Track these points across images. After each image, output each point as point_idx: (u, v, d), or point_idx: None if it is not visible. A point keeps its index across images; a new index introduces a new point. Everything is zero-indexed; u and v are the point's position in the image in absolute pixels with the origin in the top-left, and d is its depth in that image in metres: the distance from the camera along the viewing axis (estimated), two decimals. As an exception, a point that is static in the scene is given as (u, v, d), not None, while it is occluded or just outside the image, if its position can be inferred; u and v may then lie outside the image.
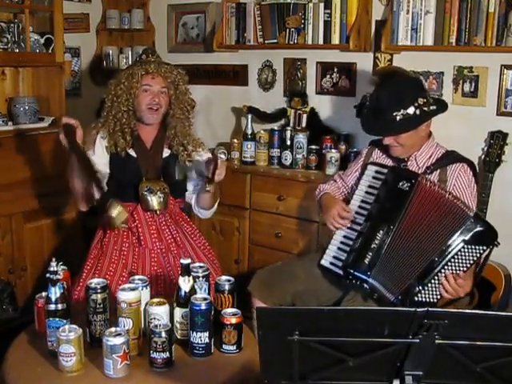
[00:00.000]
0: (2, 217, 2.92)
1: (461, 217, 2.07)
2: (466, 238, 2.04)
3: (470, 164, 2.34)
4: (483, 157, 2.70)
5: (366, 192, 2.34)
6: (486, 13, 2.57)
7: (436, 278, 2.06)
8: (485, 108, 2.77)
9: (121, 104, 2.39)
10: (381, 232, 2.19)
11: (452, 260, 2.05)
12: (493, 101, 2.74)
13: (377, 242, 2.19)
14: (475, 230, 2.04)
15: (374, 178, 2.34)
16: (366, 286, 2.20)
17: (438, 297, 2.07)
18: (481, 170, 2.71)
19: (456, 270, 2.05)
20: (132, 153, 2.45)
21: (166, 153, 2.51)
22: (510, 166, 2.65)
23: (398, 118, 2.20)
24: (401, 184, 2.21)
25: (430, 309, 1.19)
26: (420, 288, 2.07)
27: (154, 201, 2.40)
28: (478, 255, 2.05)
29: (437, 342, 1.21)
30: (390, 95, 2.25)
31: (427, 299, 2.07)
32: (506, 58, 2.65)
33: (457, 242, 2.05)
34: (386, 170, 2.33)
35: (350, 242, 2.31)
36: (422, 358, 1.27)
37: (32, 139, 3.03)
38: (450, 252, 2.06)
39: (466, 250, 2.05)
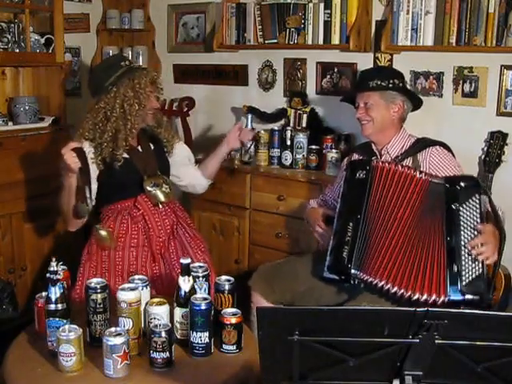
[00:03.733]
0: (1, 217, 2.93)
1: (434, 189, 2.13)
2: (456, 201, 2.08)
3: (442, 144, 2.38)
4: (483, 157, 2.70)
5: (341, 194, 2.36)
6: (486, 13, 2.57)
7: (463, 253, 2.06)
8: (485, 108, 2.77)
9: (131, 116, 2.41)
10: (351, 224, 2.21)
11: (462, 228, 2.07)
12: (493, 101, 2.74)
13: (349, 234, 2.21)
14: (458, 189, 2.10)
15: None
16: (354, 280, 2.19)
17: (480, 265, 2.04)
18: (481, 170, 2.72)
19: (471, 233, 2.06)
20: (123, 154, 2.49)
21: (152, 147, 2.62)
22: (510, 166, 2.65)
23: (370, 84, 2.39)
24: (358, 174, 2.27)
25: (430, 309, 1.19)
26: (460, 273, 2.05)
27: (160, 194, 2.48)
28: (478, 205, 2.07)
29: (437, 342, 1.21)
30: (370, 71, 2.61)
31: (474, 275, 2.04)
32: (505, 58, 2.65)
33: (452, 211, 2.08)
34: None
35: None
36: (421, 358, 1.27)
37: (32, 139, 3.03)
38: (454, 224, 2.07)
39: (465, 210, 2.07)
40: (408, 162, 2.36)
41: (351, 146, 3.11)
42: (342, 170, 2.57)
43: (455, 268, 2.06)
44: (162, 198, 2.48)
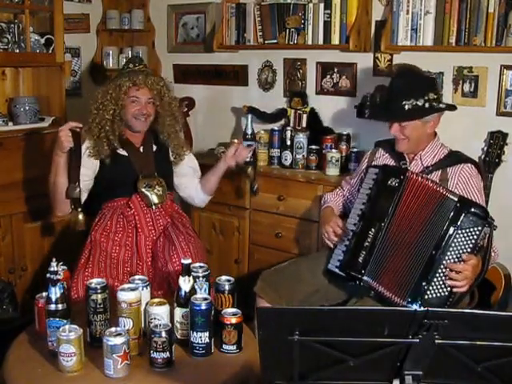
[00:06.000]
0: (1, 217, 2.92)
1: (445, 203, 2.08)
2: (458, 223, 2.05)
3: (473, 163, 2.35)
4: (483, 157, 2.70)
5: (366, 194, 2.34)
6: (486, 13, 2.57)
7: (440, 271, 2.06)
8: (485, 108, 2.77)
9: (105, 113, 2.50)
10: (372, 230, 2.21)
11: (450, 249, 2.05)
12: (493, 101, 2.74)
13: (369, 240, 2.20)
14: (464, 214, 2.05)
15: (373, 179, 2.35)
16: (362, 284, 2.20)
17: (448, 289, 2.05)
18: (481, 170, 2.72)
19: (457, 258, 2.05)
20: (123, 152, 2.56)
21: (154, 148, 2.65)
22: (510, 166, 2.65)
23: (406, 106, 2.25)
24: (390, 181, 2.24)
25: (430, 309, 1.19)
26: (426, 286, 2.07)
27: (154, 196, 2.52)
28: (476, 237, 2.04)
29: (437, 341, 1.21)
30: (402, 85, 2.31)
31: (437, 294, 2.06)
32: (505, 58, 2.65)
33: (450, 230, 2.05)
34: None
35: (348, 243, 2.31)
36: (422, 358, 1.27)
37: (32, 139, 3.03)
38: (446, 242, 2.05)
39: (462, 236, 2.05)
40: (437, 173, 2.31)
41: (351, 146, 3.11)
42: (362, 165, 2.54)
43: (425, 280, 2.07)
44: (154, 199, 2.52)
